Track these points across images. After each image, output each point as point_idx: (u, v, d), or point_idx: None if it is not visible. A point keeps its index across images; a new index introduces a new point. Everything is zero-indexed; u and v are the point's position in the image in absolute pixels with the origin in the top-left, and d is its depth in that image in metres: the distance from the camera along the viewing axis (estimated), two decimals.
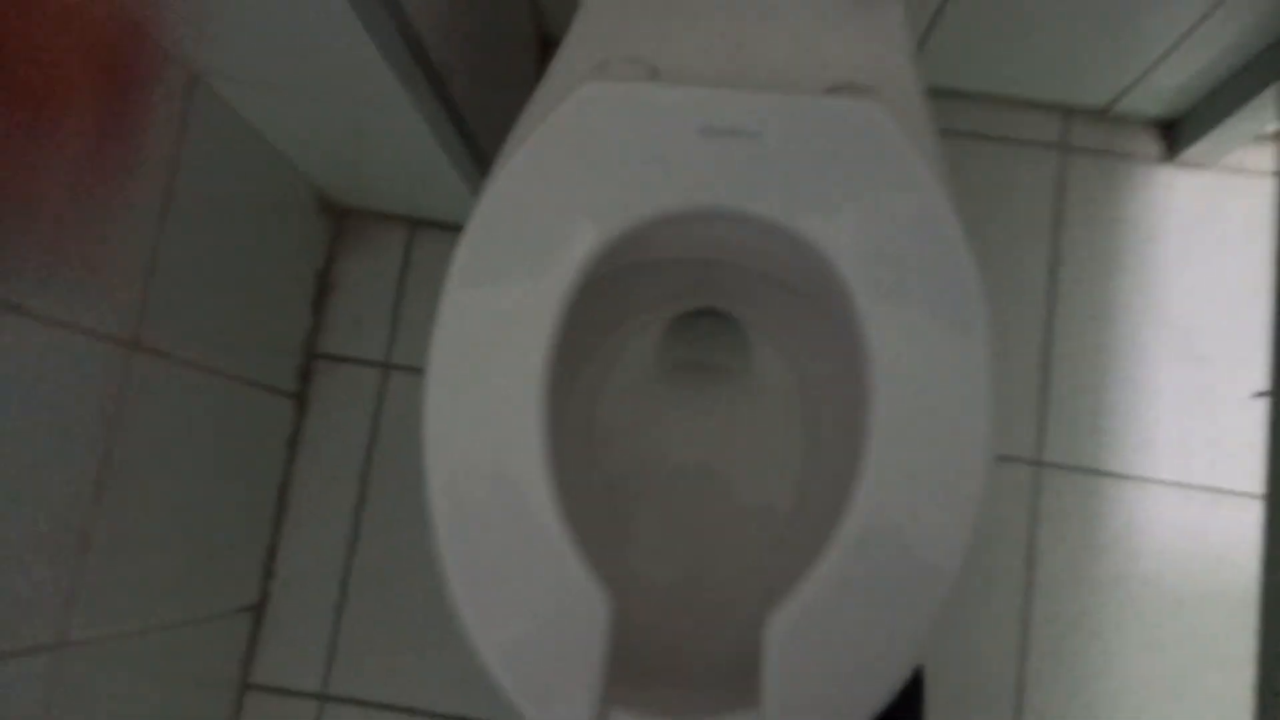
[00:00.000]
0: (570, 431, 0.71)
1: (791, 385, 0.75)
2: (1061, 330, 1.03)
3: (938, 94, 1.04)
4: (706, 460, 0.74)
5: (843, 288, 0.61)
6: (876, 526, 0.61)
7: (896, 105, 0.68)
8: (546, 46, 1.09)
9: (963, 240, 0.61)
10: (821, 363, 0.73)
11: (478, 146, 0.91)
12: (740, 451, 0.74)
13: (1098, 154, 1.05)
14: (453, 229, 1.03)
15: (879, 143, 0.64)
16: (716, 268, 0.73)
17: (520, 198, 0.65)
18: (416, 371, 1.02)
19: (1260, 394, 0.99)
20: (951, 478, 0.60)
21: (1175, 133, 1.04)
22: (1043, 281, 1.04)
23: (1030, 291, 1.04)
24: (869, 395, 0.59)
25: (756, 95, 0.66)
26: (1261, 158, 1.02)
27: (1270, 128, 0.96)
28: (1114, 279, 1.04)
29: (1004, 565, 0.99)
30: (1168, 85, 0.98)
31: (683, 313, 0.78)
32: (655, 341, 0.77)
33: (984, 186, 1.05)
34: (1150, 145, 1.05)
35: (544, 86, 0.72)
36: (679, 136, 0.65)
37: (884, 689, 0.59)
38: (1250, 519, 0.98)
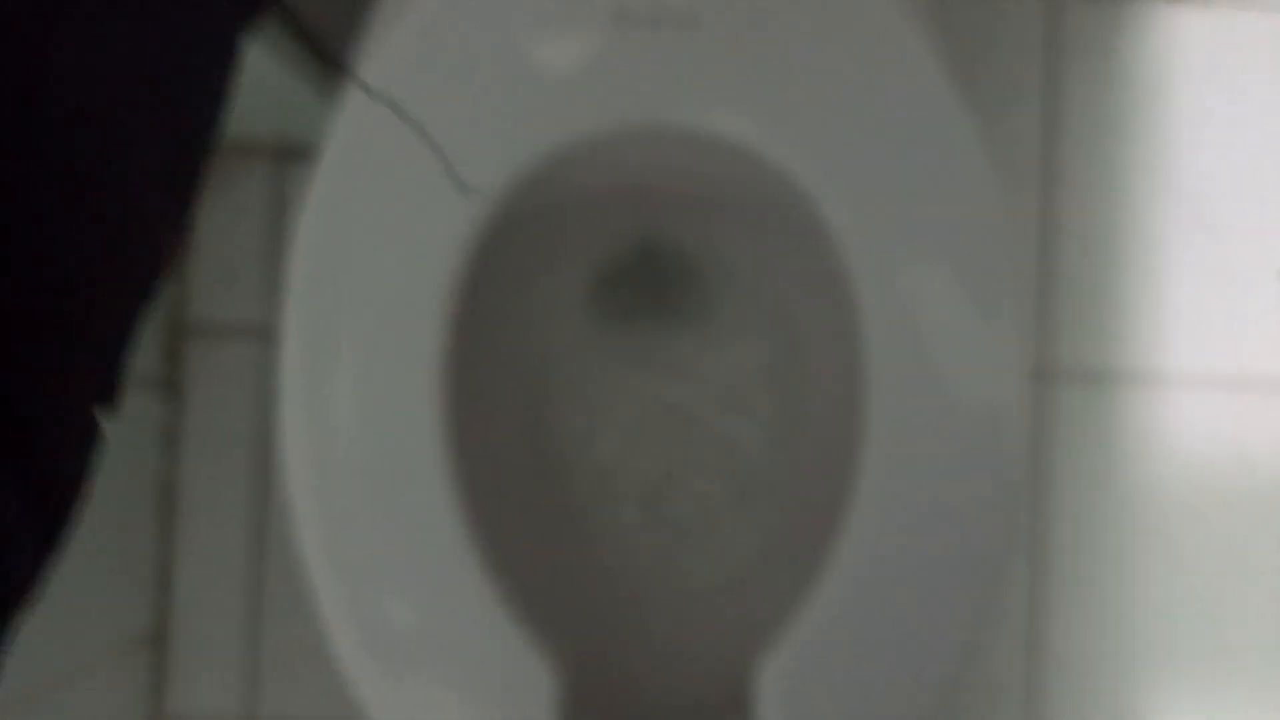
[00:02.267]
0: (484, 422, 0.55)
1: (768, 338, 0.60)
2: (1059, 209, 0.88)
3: None
4: (663, 446, 0.59)
5: (825, 229, 0.46)
6: (885, 533, 0.47)
7: None
8: None
9: (982, 163, 0.46)
10: (804, 309, 0.57)
11: (319, 42, 0.72)
12: (710, 428, 0.59)
13: None
14: None
15: (861, 20, 0.47)
16: (657, 198, 0.56)
17: (377, 136, 0.48)
18: None
19: None
20: (976, 465, 0.47)
21: None
22: (1036, 154, 0.88)
23: (1023, 167, 0.88)
24: (866, 383, 0.45)
25: None
26: None
27: None
28: (1116, 142, 0.88)
29: None
30: None
31: (621, 254, 0.61)
32: (589, 290, 0.61)
33: (962, 42, 0.88)
34: None
35: None
36: (584, 31, 0.48)
37: None
38: None
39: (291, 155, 0.88)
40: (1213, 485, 0.87)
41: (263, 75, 0.72)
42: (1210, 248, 0.87)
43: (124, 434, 0.78)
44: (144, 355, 0.84)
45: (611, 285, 0.58)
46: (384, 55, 0.48)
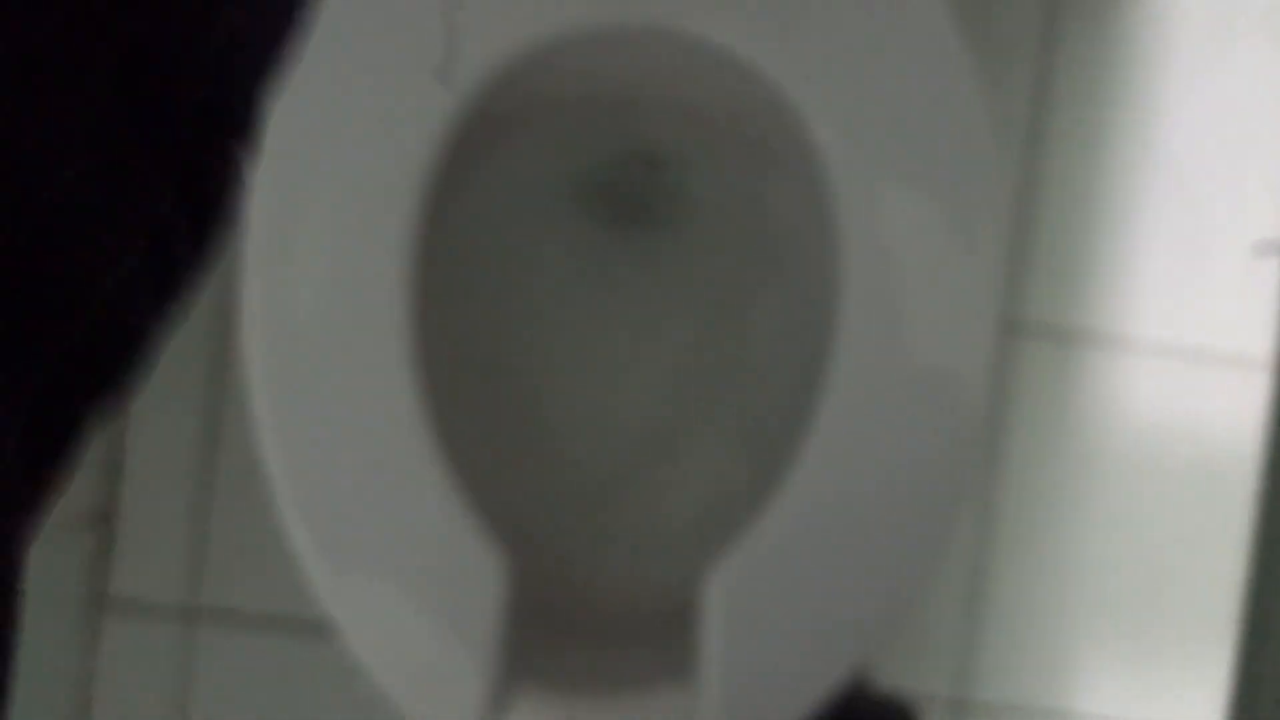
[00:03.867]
0: (449, 319, 0.55)
1: (746, 256, 0.59)
2: (1044, 168, 0.88)
3: None
4: (631, 354, 0.59)
5: (812, 146, 0.45)
6: (844, 455, 0.47)
7: None
8: None
9: (976, 96, 0.46)
10: (785, 227, 0.57)
11: None
12: (675, 341, 0.59)
13: None
14: None
15: None
16: (642, 111, 0.55)
17: (356, 25, 0.47)
18: None
19: (1263, 247, 0.86)
20: (941, 395, 0.47)
21: None
22: (1025, 109, 0.88)
23: (1011, 121, 0.88)
24: (840, 297, 0.45)
25: None
26: None
27: None
28: (1107, 108, 0.88)
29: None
30: None
31: (604, 160, 0.60)
32: (569, 195, 0.60)
33: None
34: None
35: None
36: None
37: (850, 659, 0.47)
38: (1242, 384, 0.88)
39: None
40: (1166, 454, 0.89)
41: None
42: (1186, 219, 0.88)
43: None
44: None
45: (592, 192, 0.57)
46: None
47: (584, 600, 0.53)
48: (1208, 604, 0.88)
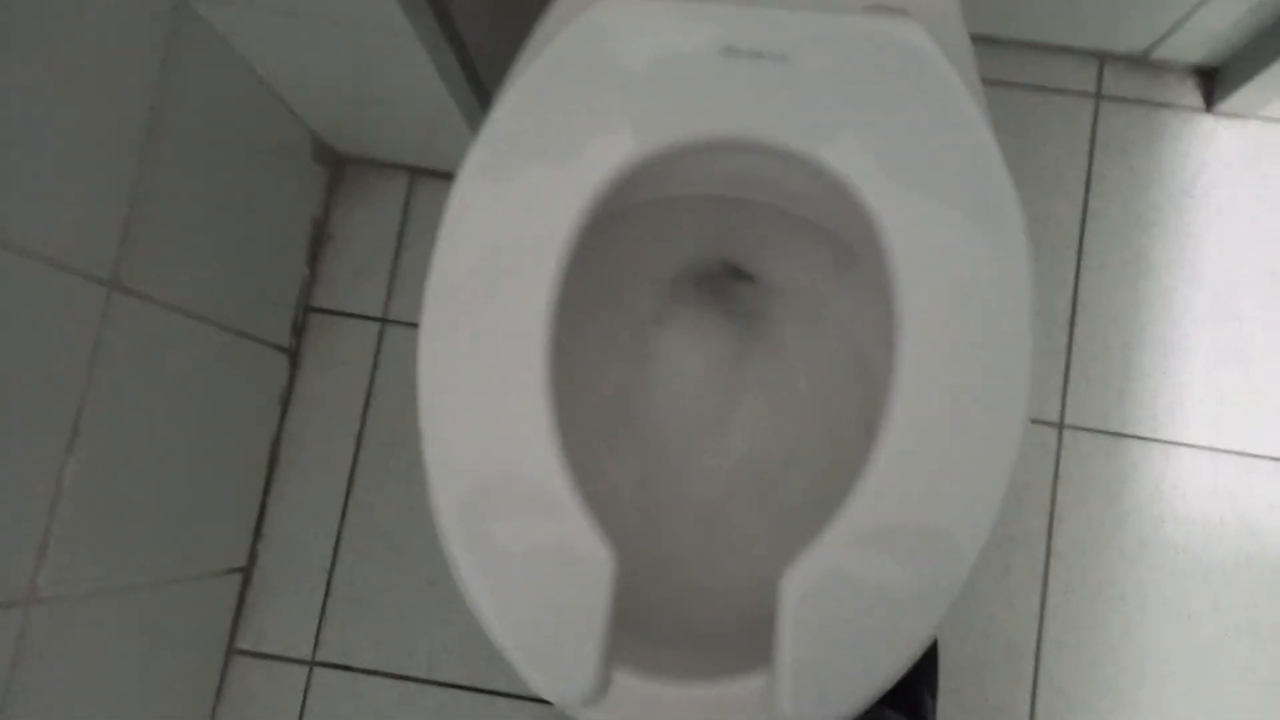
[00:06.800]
0: (578, 378, 0.66)
1: (815, 338, 0.71)
2: (1091, 287, 0.98)
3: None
4: (724, 409, 0.70)
5: (872, 225, 0.57)
6: (903, 475, 0.56)
7: (936, 29, 0.63)
8: None
9: (1003, 169, 0.57)
10: (849, 304, 0.68)
11: (485, 86, 0.86)
12: (760, 398, 0.70)
13: (1134, 103, 1.00)
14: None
15: (918, 66, 0.59)
16: (735, 208, 0.68)
17: (531, 116, 0.60)
18: (415, 327, 0.98)
19: None
20: (986, 425, 0.56)
21: (1215, 81, 0.99)
22: (1073, 236, 0.99)
23: (1060, 247, 0.99)
24: (897, 339, 0.55)
25: (784, 14, 0.61)
26: None
27: None
28: (1147, 234, 0.99)
29: (1024, 530, 0.95)
30: (1209, 30, 0.93)
31: (697, 267, 0.73)
32: (669, 291, 0.72)
33: (1015, 137, 1.00)
34: (1189, 94, 1.00)
35: (555, 4, 0.67)
36: (700, 58, 0.61)
37: (906, 652, 0.55)
38: None
39: (422, 174, 1.01)
40: (1216, 546, 0.94)
41: (441, 112, 0.84)
42: (1225, 332, 0.96)
43: (247, 389, 0.90)
44: (277, 328, 0.96)
45: (693, 271, 0.70)
46: (537, 74, 0.60)
47: (677, 600, 0.62)
48: (1259, 698, 0.91)
